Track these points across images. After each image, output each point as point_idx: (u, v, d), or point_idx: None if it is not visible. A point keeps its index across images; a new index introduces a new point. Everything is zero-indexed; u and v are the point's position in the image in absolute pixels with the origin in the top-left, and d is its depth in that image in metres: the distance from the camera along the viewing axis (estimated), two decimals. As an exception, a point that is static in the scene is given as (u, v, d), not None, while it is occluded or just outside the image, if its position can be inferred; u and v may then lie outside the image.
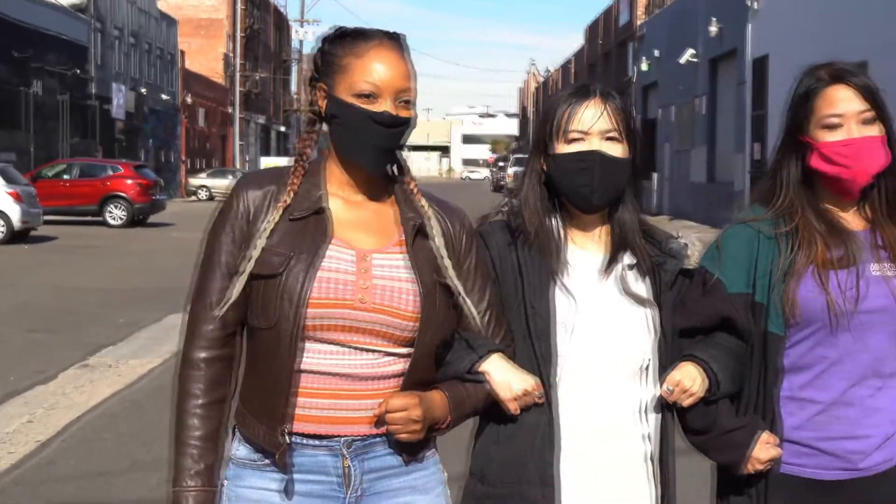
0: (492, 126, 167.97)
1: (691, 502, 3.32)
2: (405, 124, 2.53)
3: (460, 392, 2.59)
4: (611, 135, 2.72)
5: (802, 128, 2.79)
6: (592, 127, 2.72)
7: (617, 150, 2.73)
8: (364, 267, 2.51)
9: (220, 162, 65.99)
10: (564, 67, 78.18)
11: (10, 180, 24.91)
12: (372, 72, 2.49)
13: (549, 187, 2.80)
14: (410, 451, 2.57)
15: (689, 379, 2.70)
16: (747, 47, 29.70)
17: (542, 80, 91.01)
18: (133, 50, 52.10)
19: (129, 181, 31.30)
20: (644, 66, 42.98)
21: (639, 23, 46.49)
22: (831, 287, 2.69)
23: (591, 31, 63.22)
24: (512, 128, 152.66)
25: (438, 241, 2.56)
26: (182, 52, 61.36)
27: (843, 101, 2.73)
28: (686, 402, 2.72)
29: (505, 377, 2.63)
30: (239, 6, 69.72)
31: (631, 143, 2.77)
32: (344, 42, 2.54)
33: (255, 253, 2.47)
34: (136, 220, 31.21)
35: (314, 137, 2.63)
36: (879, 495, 2.78)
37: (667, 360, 2.75)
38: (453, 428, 2.61)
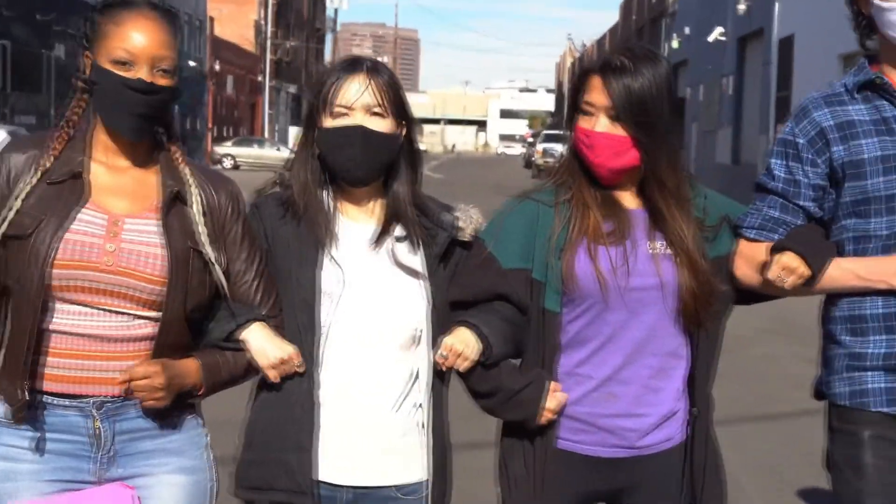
0: (531, 101, 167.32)
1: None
2: (161, 92, 2.61)
3: (216, 360, 2.70)
4: (375, 110, 2.77)
5: (574, 104, 2.82)
6: (356, 101, 2.76)
7: (381, 125, 2.77)
8: (114, 231, 2.60)
9: (248, 131, 65.95)
10: (599, 43, 77.48)
11: (19, 143, 24.75)
12: (128, 39, 2.58)
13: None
14: (163, 415, 2.66)
15: (462, 343, 2.74)
16: (774, 26, 29.12)
17: (578, 55, 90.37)
18: (160, 15, 51.95)
19: (147, 147, 31.08)
20: (674, 44, 42.42)
21: (671, -1, 45.83)
22: (603, 262, 2.72)
23: (626, 6, 62.63)
24: (551, 103, 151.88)
25: (196, 208, 2.67)
26: (211, 19, 61.22)
27: (595, 92, 2.74)
28: (462, 367, 2.76)
29: (262, 345, 2.71)
30: (272, -27, 69.44)
31: (399, 118, 2.82)
32: (109, 10, 2.63)
33: (7, 214, 2.56)
34: (152, 186, 31.07)
35: (81, 104, 2.70)
36: (657, 475, 2.82)
37: (440, 330, 2.79)
38: (211, 394, 2.71)
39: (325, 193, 2.83)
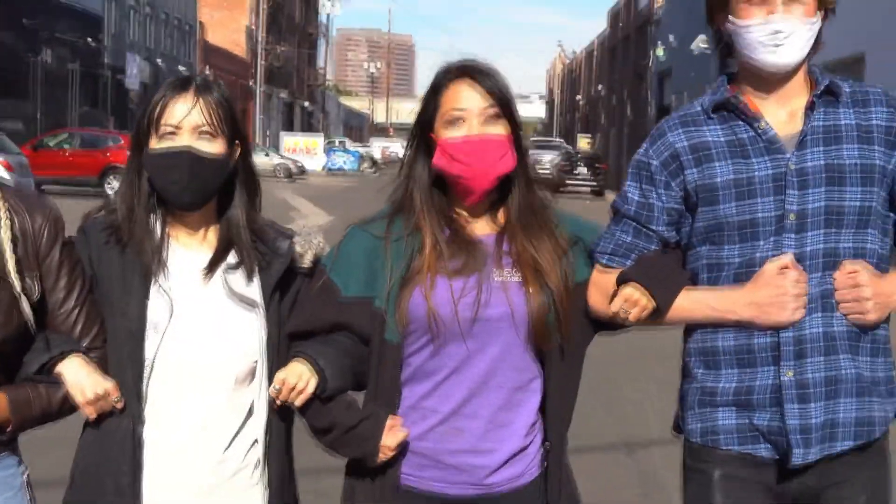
0: (524, 109, 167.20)
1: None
2: None
3: (27, 394, 2.53)
4: (204, 130, 2.63)
5: (430, 124, 2.67)
6: (183, 121, 2.62)
7: (210, 146, 2.64)
8: None
9: (239, 136, 65.93)
10: (588, 51, 77.58)
11: (0, 149, 24.87)
12: None
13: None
14: None
15: (296, 376, 2.60)
16: (755, 36, 29.23)
17: (568, 61, 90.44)
18: (149, 20, 52.04)
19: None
20: (659, 53, 42.53)
21: (657, 6, 45.95)
22: (443, 296, 2.59)
23: (614, 15, 62.70)
24: (544, 111, 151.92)
25: (4, 234, 2.51)
26: (201, 24, 61.29)
27: (465, 98, 2.62)
28: (298, 401, 2.62)
29: (78, 379, 2.55)
30: (263, -21, 69.58)
31: (232, 138, 2.69)
32: None
33: None
34: (136, 192, 31.03)
35: None
36: None
37: (278, 362, 2.66)
38: (22, 431, 2.57)
39: (154, 218, 2.68)
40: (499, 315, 2.61)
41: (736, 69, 2.77)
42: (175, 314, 2.61)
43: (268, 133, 70.33)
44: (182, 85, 2.65)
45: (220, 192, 2.72)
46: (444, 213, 2.68)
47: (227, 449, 2.66)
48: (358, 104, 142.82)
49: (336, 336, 2.67)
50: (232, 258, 2.70)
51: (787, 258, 2.59)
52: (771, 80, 2.69)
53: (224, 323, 2.65)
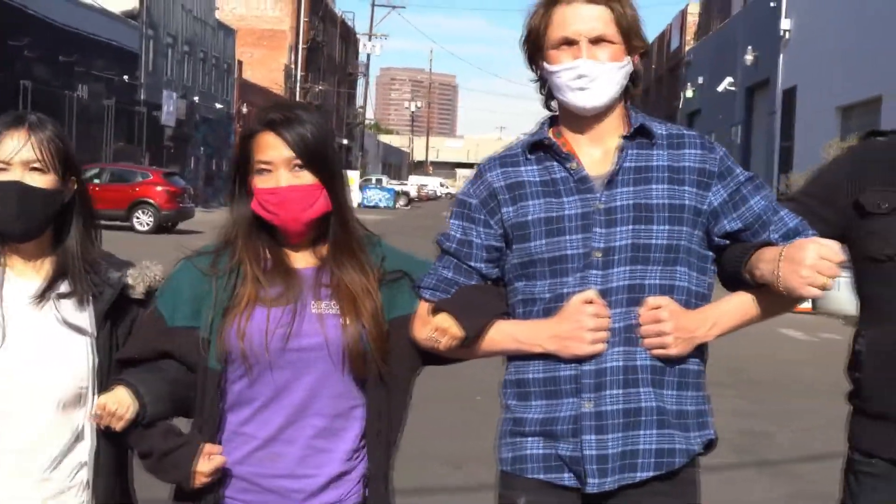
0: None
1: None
2: None
3: None
4: (35, 165, 2.75)
5: (245, 170, 2.76)
6: (14, 157, 2.74)
7: (41, 180, 2.76)
8: None
9: (276, 172, 66.53)
10: (626, 91, 77.57)
11: (29, 182, 25.34)
12: None
13: None
14: None
15: (115, 402, 2.69)
16: (779, 77, 29.30)
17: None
18: (187, 58, 52.67)
19: (158, 188, 31.61)
20: (689, 93, 42.62)
21: (687, 48, 46.10)
22: (258, 326, 2.69)
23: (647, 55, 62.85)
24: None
25: None
26: (239, 62, 62.07)
27: (270, 149, 2.70)
28: (116, 426, 2.71)
29: None
30: (302, 18, 70.49)
31: (65, 173, 2.81)
32: None
33: None
34: (164, 226, 31.41)
35: None
36: None
37: (108, 388, 2.77)
38: None
39: None
40: (313, 345, 2.70)
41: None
42: (6, 339, 2.73)
43: (305, 170, 70.88)
44: (15, 122, 2.77)
45: (57, 224, 2.84)
46: (266, 248, 2.78)
47: (53, 469, 2.78)
48: (398, 142, 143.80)
49: (162, 364, 2.78)
50: (65, 287, 2.82)
51: (590, 293, 2.68)
52: (583, 121, 2.80)
53: (52, 349, 2.76)
